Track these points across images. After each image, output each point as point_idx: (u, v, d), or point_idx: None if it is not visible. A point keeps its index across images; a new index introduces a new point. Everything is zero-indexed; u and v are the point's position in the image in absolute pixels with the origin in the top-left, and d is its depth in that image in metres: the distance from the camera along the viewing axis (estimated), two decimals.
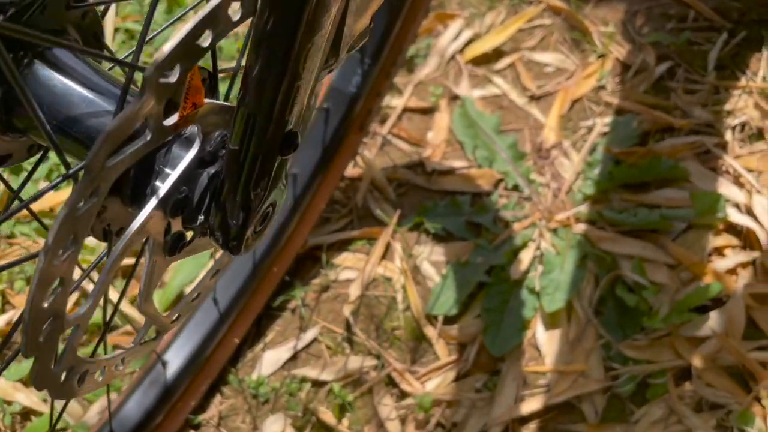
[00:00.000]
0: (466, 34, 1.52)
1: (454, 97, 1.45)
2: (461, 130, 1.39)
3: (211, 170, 0.47)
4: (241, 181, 0.45)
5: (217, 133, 0.46)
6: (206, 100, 0.42)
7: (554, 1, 1.55)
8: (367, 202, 1.32)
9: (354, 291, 1.22)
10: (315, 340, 1.19)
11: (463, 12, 1.56)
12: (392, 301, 1.22)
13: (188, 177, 0.46)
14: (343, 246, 1.28)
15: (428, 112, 1.44)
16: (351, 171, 1.36)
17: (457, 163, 1.36)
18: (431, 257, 1.26)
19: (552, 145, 1.37)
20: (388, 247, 1.27)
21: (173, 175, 0.43)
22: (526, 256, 1.21)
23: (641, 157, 1.29)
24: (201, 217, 0.48)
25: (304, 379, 1.15)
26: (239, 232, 0.49)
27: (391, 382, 1.14)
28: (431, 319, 1.18)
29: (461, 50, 1.51)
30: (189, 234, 0.50)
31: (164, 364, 1.03)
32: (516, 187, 1.32)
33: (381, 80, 1.11)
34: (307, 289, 1.23)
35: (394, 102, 1.45)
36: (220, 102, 0.43)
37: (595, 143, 1.35)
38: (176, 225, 0.48)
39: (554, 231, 1.25)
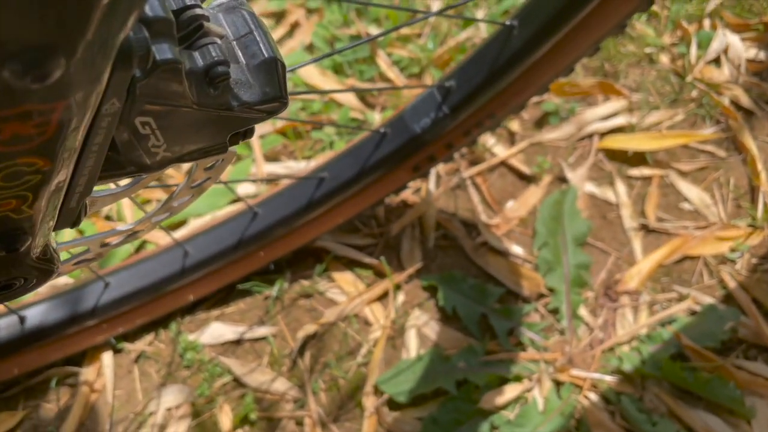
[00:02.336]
0: (620, 120, 1.29)
1: (562, 179, 1.25)
2: (543, 218, 1.20)
3: None
4: None
5: None
6: None
7: (746, 140, 1.26)
8: (402, 235, 1.20)
9: (329, 315, 1.12)
10: (265, 338, 1.12)
11: (632, 94, 1.32)
12: (356, 348, 1.11)
13: None
14: (349, 264, 1.17)
15: (525, 179, 1.26)
16: (407, 195, 1.22)
17: (515, 250, 1.18)
18: (422, 328, 1.12)
19: (627, 291, 1.15)
20: (387, 293, 1.14)
21: None
22: (510, 391, 1.04)
23: (708, 369, 1.04)
24: None
25: (229, 371, 1.08)
26: None
27: (299, 426, 1.05)
28: (378, 390, 1.06)
29: (603, 134, 1.29)
30: None
31: (107, 284, 1.01)
32: (556, 312, 1.12)
33: (455, 135, 0.96)
34: (289, 286, 1.15)
35: (497, 149, 1.28)
36: None
37: (674, 317, 1.11)
38: None
39: (558, 384, 1.06)
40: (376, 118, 1.29)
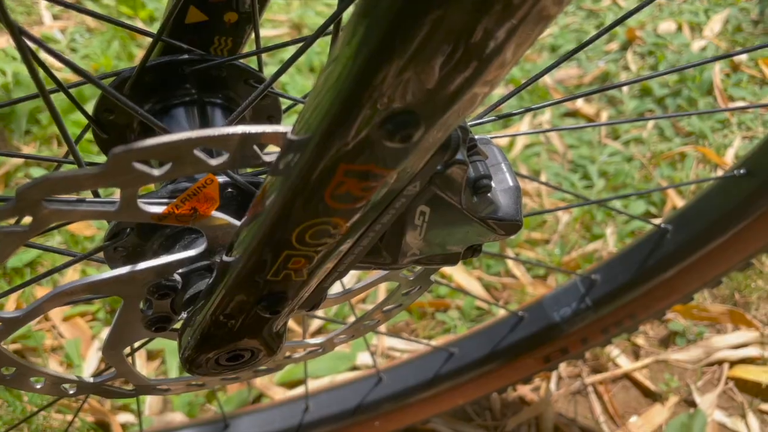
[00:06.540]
0: (751, 351, 1.25)
1: (690, 402, 1.20)
2: None
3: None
4: (208, 304, 0.41)
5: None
6: (216, 214, 0.39)
7: None
8: None
9: None
10: None
11: (765, 327, 1.29)
12: None
13: (190, 272, 0.44)
14: None
15: (650, 396, 1.21)
16: (525, 391, 1.20)
17: None
18: None
19: None
20: None
21: (151, 262, 0.41)
22: None
23: None
24: (184, 314, 0.46)
25: None
26: (190, 351, 0.44)
27: None
28: None
29: (734, 363, 1.25)
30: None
31: (226, 425, 1.02)
32: None
33: (593, 330, 0.97)
34: None
35: (622, 360, 1.26)
36: (230, 220, 0.40)
37: None
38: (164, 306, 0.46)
39: None
40: (501, 312, 1.32)
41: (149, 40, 0.57)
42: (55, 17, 2.02)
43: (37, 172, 1.52)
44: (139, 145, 0.32)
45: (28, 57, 0.34)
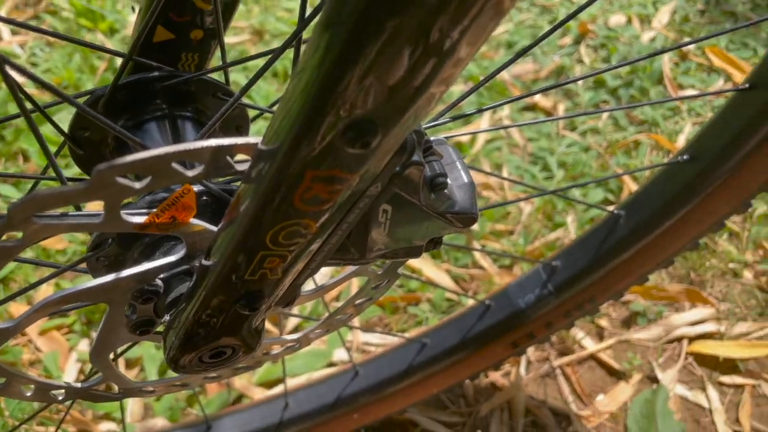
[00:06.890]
0: (708, 327, 1.32)
1: (653, 378, 1.26)
2: (635, 416, 1.19)
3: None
4: (190, 306, 0.45)
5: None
6: (194, 221, 0.42)
7: None
8: (490, 417, 1.20)
9: None
10: None
11: (720, 303, 1.36)
12: None
13: (171, 277, 0.47)
14: None
15: (614, 374, 1.27)
16: (497, 377, 1.25)
17: None
18: None
19: None
20: None
21: (134, 269, 0.44)
22: None
23: None
24: (167, 317, 0.49)
25: None
26: (174, 351, 0.47)
27: None
28: None
29: (692, 339, 1.31)
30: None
31: (209, 427, 1.04)
32: None
33: (556, 314, 1.01)
34: None
35: (587, 342, 1.31)
36: (207, 226, 0.43)
37: None
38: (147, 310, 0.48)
39: None
40: (470, 302, 1.37)
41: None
42: (14, 32, 2.00)
43: (3, 188, 1.51)
44: (121, 161, 0.35)
45: (13, 86, 0.36)
